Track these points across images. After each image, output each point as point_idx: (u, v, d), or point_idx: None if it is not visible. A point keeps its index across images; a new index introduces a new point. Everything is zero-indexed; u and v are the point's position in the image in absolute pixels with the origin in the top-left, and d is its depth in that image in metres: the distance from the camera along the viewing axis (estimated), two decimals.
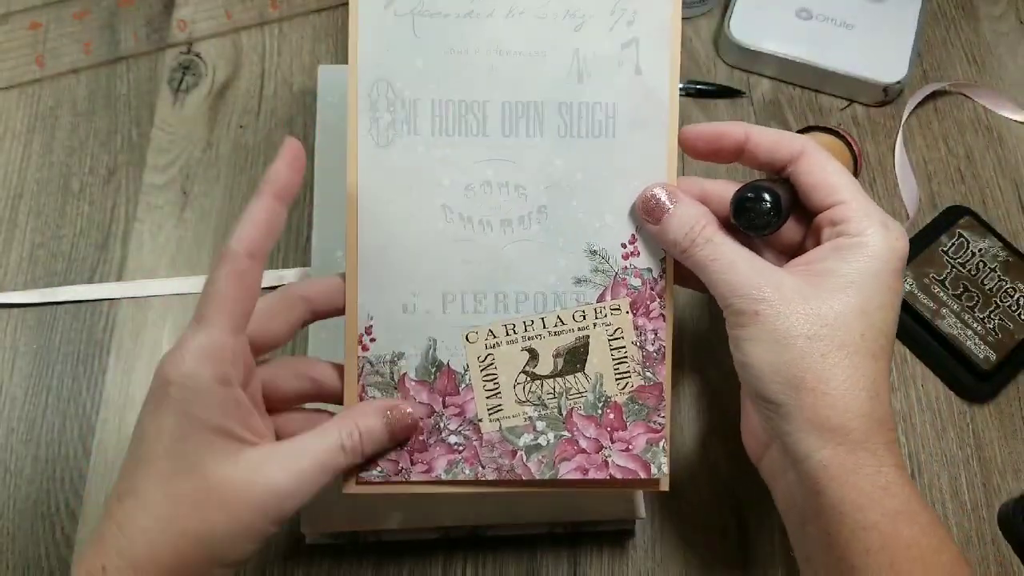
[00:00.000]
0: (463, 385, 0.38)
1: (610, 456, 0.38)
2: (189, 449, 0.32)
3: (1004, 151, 0.59)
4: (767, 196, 0.35)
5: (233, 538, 0.32)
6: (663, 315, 0.38)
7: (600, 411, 0.39)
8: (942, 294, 0.52)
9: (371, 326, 0.38)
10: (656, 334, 0.38)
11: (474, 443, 0.38)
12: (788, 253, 0.38)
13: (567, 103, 0.37)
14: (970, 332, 0.51)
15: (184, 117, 0.58)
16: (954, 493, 0.49)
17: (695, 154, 0.39)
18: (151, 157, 0.56)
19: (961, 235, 0.54)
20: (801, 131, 0.52)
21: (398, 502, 0.44)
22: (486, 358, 0.38)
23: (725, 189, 0.37)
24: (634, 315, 0.38)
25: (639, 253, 0.38)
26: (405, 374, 0.38)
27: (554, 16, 0.37)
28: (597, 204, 0.38)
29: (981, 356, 0.50)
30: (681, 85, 0.59)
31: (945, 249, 0.53)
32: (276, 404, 0.38)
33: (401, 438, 0.37)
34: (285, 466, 0.33)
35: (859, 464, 0.32)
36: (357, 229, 0.37)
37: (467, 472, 0.38)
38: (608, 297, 0.38)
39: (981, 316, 0.51)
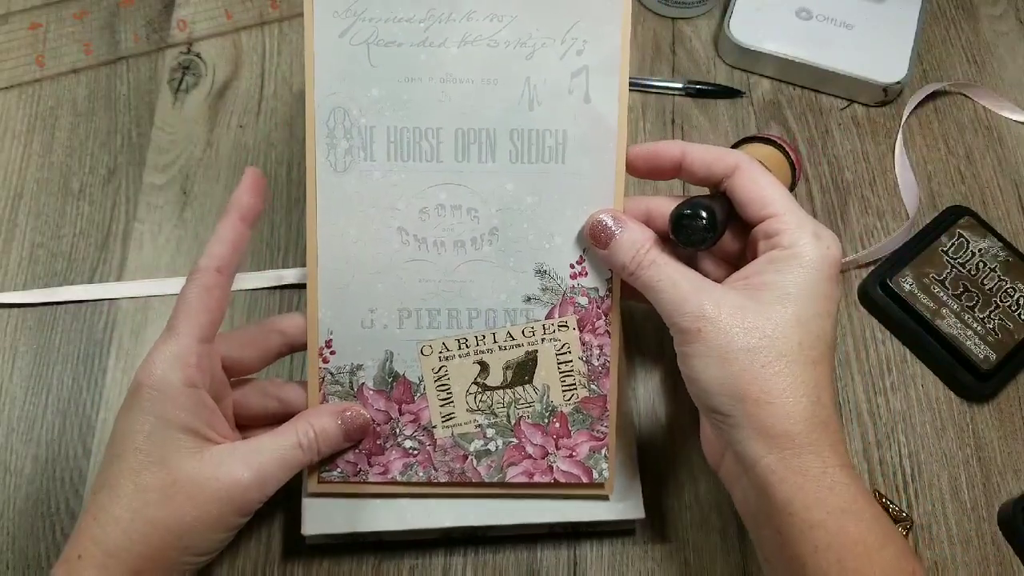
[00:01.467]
0: (418, 394, 0.41)
1: (555, 462, 0.41)
2: (158, 446, 0.35)
3: (1004, 151, 0.59)
4: (703, 213, 0.36)
5: (200, 528, 0.35)
6: (608, 332, 0.41)
7: (547, 420, 0.41)
8: (942, 294, 0.52)
9: (331, 340, 0.40)
10: (601, 349, 0.41)
11: (428, 448, 0.41)
12: (731, 263, 0.40)
13: (519, 129, 0.39)
14: (970, 332, 0.51)
15: (184, 117, 0.58)
16: (954, 493, 0.49)
17: (635, 173, 0.40)
18: (151, 157, 0.56)
19: (961, 235, 0.54)
20: (740, 142, 0.52)
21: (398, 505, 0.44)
22: (440, 369, 0.41)
23: (668, 205, 0.38)
24: (581, 332, 0.41)
25: (587, 273, 0.40)
26: (364, 384, 0.41)
27: (506, 44, 0.38)
28: (547, 226, 0.40)
29: (981, 356, 0.50)
30: (681, 85, 0.59)
31: (945, 249, 0.53)
32: (246, 422, 0.41)
33: (356, 438, 0.40)
34: (246, 461, 0.36)
35: (804, 466, 0.33)
36: (317, 250, 0.39)
37: (421, 474, 0.41)
38: (556, 314, 0.40)
39: (981, 316, 0.51)
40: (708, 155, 0.38)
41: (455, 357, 0.41)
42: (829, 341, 0.35)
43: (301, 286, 0.52)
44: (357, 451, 0.41)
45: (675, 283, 0.36)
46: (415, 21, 0.38)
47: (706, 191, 0.41)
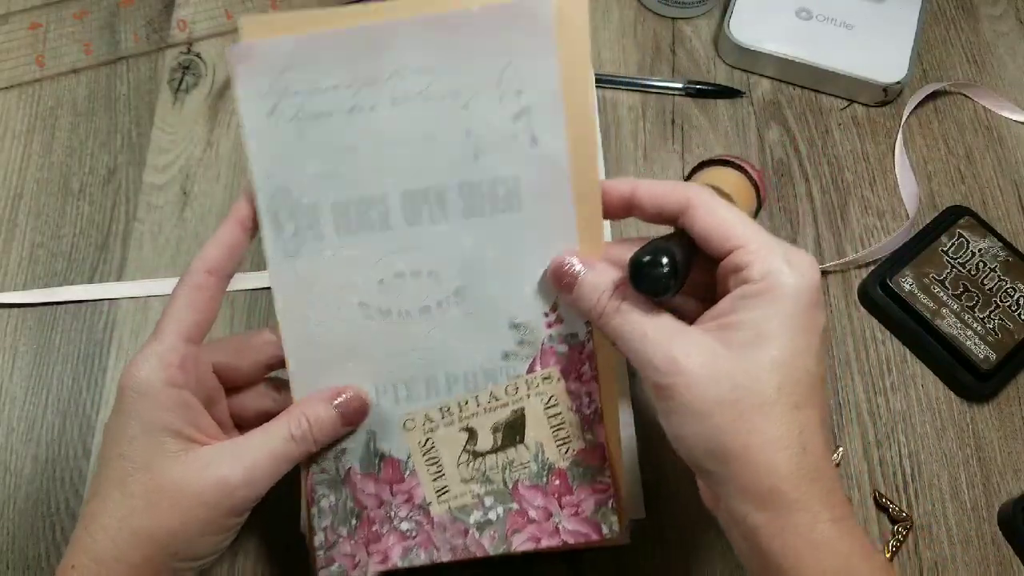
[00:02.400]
0: (408, 472, 0.39)
1: (560, 522, 0.39)
2: (141, 450, 0.34)
3: (1004, 151, 0.59)
4: (663, 259, 0.33)
5: (189, 532, 0.34)
6: (595, 377, 0.38)
7: (545, 479, 0.39)
8: (942, 294, 0.52)
9: None
10: (590, 396, 0.39)
11: (426, 527, 0.39)
12: (702, 297, 0.37)
13: (467, 182, 0.36)
14: (970, 332, 0.51)
15: (184, 117, 0.58)
16: (954, 493, 0.49)
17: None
18: (151, 157, 0.56)
19: (961, 235, 0.54)
20: (698, 166, 0.47)
21: None
22: (426, 443, 0.39)
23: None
24: (566, 381, 0.39)
25: (562, 320, 0.38)
26: (351, 468, 0.39)
27: (439, 97, 0.36)
28: (513, 278, 0.37)
29: (981, 356, 0.50)
30: (681, 85, 0.59)
31: (945, 249, 0.53)
32: (246, 423, 0.39)
33: (354, 421, 0.38)
34: (235, 459, 0.35)
35: (793, 524, 0.31)
36: (281, 337, 0.38)
37: (423, 556, 0.39)
38: (538, 367, 0.38)
39: (981, 316, 0.51)
40: (656, 192, 0.36)
41: (440, 427, 0.39)
42: (814, 379, 0.32)
43: None
44: (354, 541, 0.38)
45: (643, 335, 0.33)
46: (341, 88, 0.36)
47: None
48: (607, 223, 0.42)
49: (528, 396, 0.39)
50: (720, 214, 0.34)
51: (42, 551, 0.46)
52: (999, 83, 0.61)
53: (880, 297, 0.53)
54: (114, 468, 0.34)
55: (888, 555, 0.47)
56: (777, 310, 0.32)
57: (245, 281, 0.52)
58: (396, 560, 0.39)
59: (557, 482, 0.39)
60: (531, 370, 0.38)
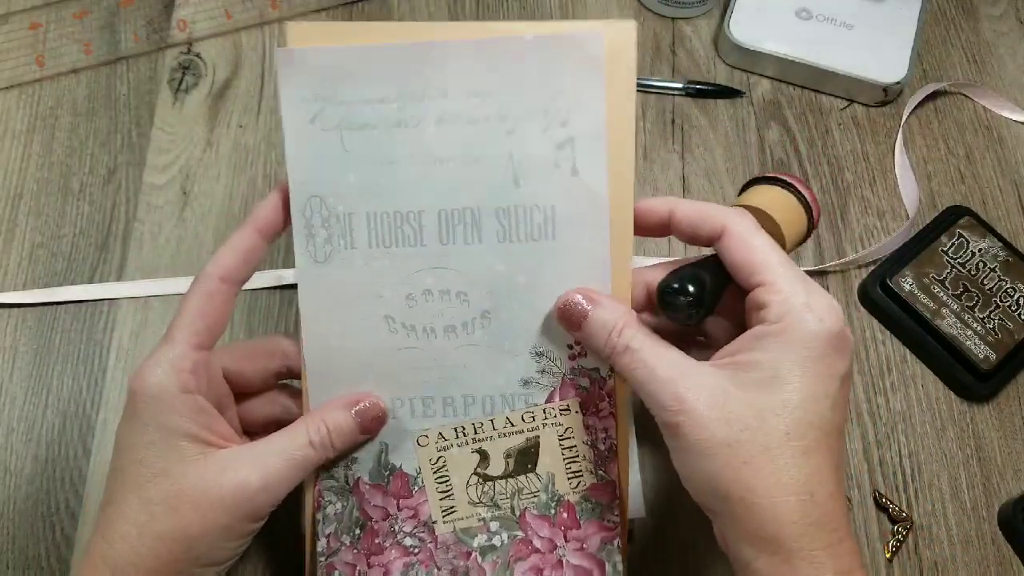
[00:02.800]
0: (416, 488, 0.39)
1: (564, 555, 0.38)
2: (159, 456, 0.34)
3: (1004, 151, 0.59)
4: (689, 287, 0.32)
5: (209, 537, 0.33)
6: (613, 414, 0.38)
7: (553, 510, 0.38)
8: (942, 294, 0.52)
9: None
10: (607, 432, 0.38)
11: (429, 545, 0.38)
12: (738, 324, 0.36)
13: (504, 207, 0.36)
14: (970, 332, 0.51)
15: (184, 117, 0.58)
16: (954, 493, 0.49)
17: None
18: (151, 157, 0.56)
19: (961, 235, 0.54)
20: (748, 184, 0.46)
21: None
22: (438, 460, 0.39)
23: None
24: (584, 415, 0.38)
25: (586, 353, 0.38)
26: (360, 478, 0.38)
27: (485, 120, 0.36)
28: (541, 306, 0.37)
29: (981, 356, 0.50)
30: (681, 85, 0.59)
31: (945, 249, 0.53)
32: (255, 430, 0.40)
33: (372, 429, 0.38)
34: (253, 464, 0.34)
35: (795, 573, 0.30)
36: (303, 343, 0.37)
37: (422, 574, 0.38)
38: (557, 398, 0.38)
39: (981, 316, 0.51)
40: (694, 215, 0.35)
41: (453, 446, 0.38)
42: (828, 426, 0.32)
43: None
44: (356, 551, 0.38)
45: (652, 371, 0.33)
46: (388, 102, 0.36)
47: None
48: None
49: (544, 426, 0.38)
50: (753, 244, 0.34)
51: (42, 551, 0.46)
52: (999, 83, 0.61)
53: (880, 297, 0.53)
54: (131, 474, 0.34)
55: (888, 555, 0.47)
56: (791, 353, 0.31)
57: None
58: (396, 575, 0.38)
59: (565, 515, 0.38)
60: (550, 400, 0.38)
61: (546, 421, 0.38)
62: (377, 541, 0.38)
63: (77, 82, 0.59)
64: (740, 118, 0.59)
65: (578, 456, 0.38)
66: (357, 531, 0.38)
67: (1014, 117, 0.60)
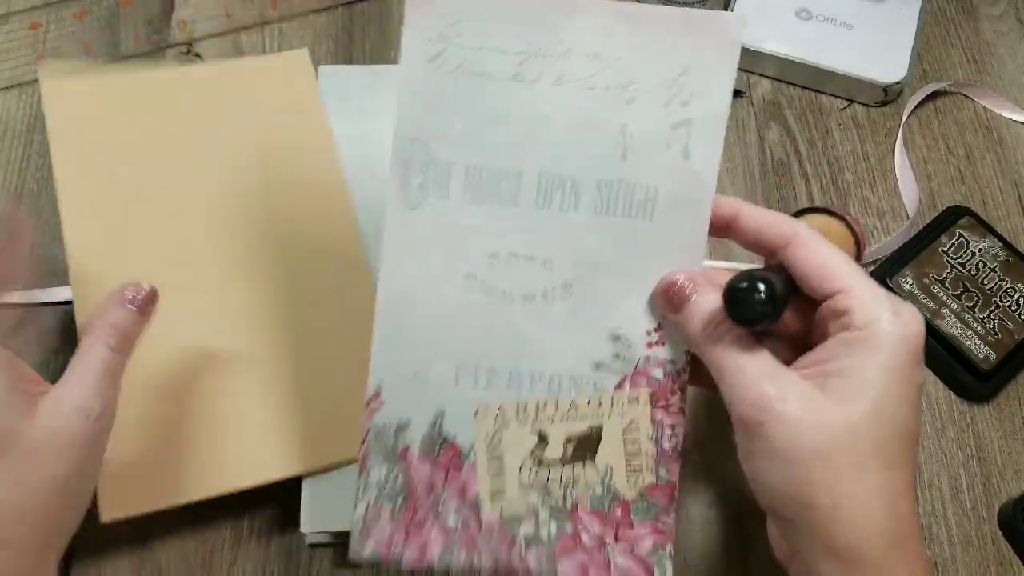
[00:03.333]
0: (467, 463, 0.37)
1: (612, 556, 0.36)
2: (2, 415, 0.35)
3: (1004, 151, 0.59)
4: (760, 287, 0.31)
5: (76, 475, 0.35)
6: (682, 410, 0.36)
7: (607, 506, 0.37)
8: (942, 294, 0.52)
9: (379, 390, 0.37)
10: (673, 430, 0.37)
11: (472, 527, 0.37)
12: (795, 345, 0.35)
13: (607, 180, 0.35)
14: (970, 332, 0.51)
15: None
16: (954, 493, 0.49)
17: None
18: None
19: (961, 235, 0.54)
20: (797, 213, 0.47)
21: None
22: (494, 437, 0.37)
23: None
24: (652, 408, 0.37)
25: (663, 343, 0.36)
26: (408, 447, 0.37)
27: (605, 87, 0.35)
28: (625, 287, 0.36)
29: (981, 356, 0.50)
30: None
31: (945, 249, 0.53)
32: None
33: (150, 312, 0.40)
34: (78, 386, 0.36)
35: None
36: (379, 288, 0.36)
37: (462, 558, 0.37)
38: (627, 386, 0.37)
39: (981, 316, 0.51)
40: (761, 222, 0.34)
41: (512, 424, 0.37)
42: (911, 436, 0.31)
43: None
44: (395, 522, 0.36)
45: (741, 367, 0.32)
46: (509, 53, 0.35)
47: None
48: None
49: (610, 415, 0.37)
50: (824, 254, 0.33)
51: None
52: (999, 83, 0.61)
53: None
54: None
55: None
56: (881, 360, 0.31)
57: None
58: (433, 556, 0.37)
59: (619, 512, 0.37)
60: (619, 387, 0.37)
61: (613, 410, 0.37)
62: (419, 517, 0.37)
63: None
64: (740, 118, 0.59)
65: (640, 451, 0.37)
66: (400, 500, 0.37)
67: (1014, 117, 0.60)
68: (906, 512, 0.30)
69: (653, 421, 0.37)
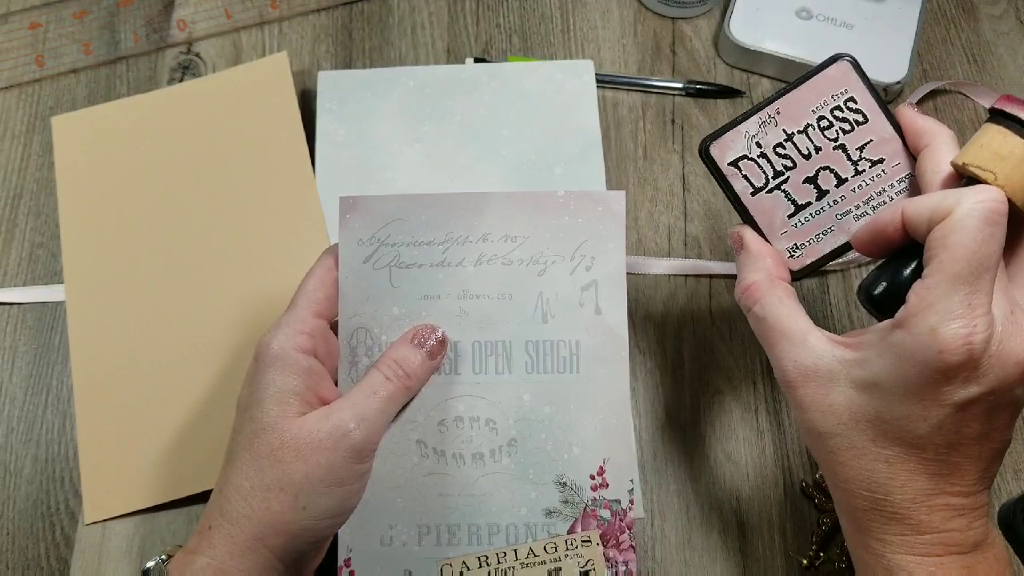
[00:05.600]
0: None
1: None
2: (267, 412, 0.37)
3: None
4: (891, 291, 0.33)
5: (313, 482, 0.36)
6: (632, 546, 0.40)
7: None
8: None
9: (350, 559, 0.39)
10: (627, 565, 0.40)
11: None
12: None
13: (533, 341, 0.40)
14: None
15: None
16: None
17: (870, 254, 0.38)
18: None
19: None
20: (993, 116, 0.35)
21: None
22: None
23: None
24: (604, 547, 0.40)
25: (607, 484, 0.40)
26: None
27: (519, 262, 0.40)
28: (565, 436, 0.40)
29: None
30: (681, 85, 0.59)
31: None
32: None
33: (438, 352, 0.40)
34: (345, 406, 0.37)
35: (854, 548, 0.36)
36: None
37: None
38: (579, 528, 0.40)
39: None
40: (925, 209, 0.33)
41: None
42: (922, 443, 0.32)
43: None
44: None
45: (783, 330, 0.36)
46: (434, 244, 0.40)
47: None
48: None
49: (566, 556, 0.39)
50: (934, 199, 0.33)
51: (42, 551, 0.46)
52: (999, 83, 0.61)
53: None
54: (244, 432, 0.37)
55: None
56: (900, 370, 0.32)
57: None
58: None
59: None
60: (572, 530, 0.40)
61: (568, 552, 0.39)
62: None
63: (77, 82, 0.59)
64: None
65: None
66: None
67: None
68: (905, 503, 0.33)
69: (607, 559, 0.40)
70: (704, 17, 0.63)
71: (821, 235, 0.39)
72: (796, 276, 0.39)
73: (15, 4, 0.61)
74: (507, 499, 0.40)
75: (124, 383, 0.49)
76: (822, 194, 0.39)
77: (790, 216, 0.39)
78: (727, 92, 0.60)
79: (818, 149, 0.39)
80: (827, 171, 0.39)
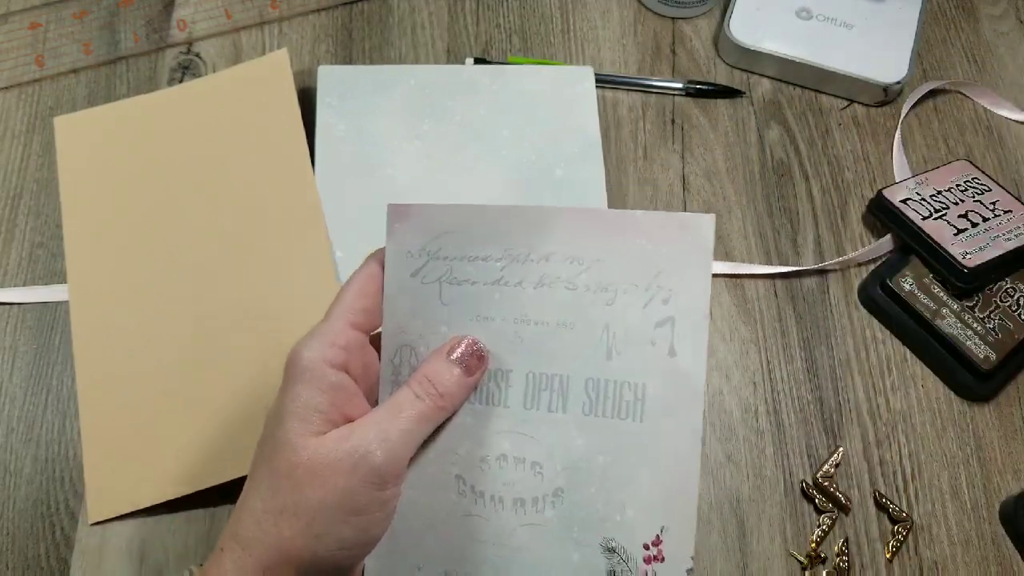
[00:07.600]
0: None
1: None
2: (289, 430, 0.33)
3: (1004, 151, 0.59)
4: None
5: (328, 507, 0.32)
6: None
7: None
8: (942, 294, 0.52)
9: None
10: None
11: None
12: None
13: (594, 379, 0.35)
14: (970, 332, 0.51)
15: None
16: (954, 493, 0.49)
17: None
18: None
19: None
20: None
21: None
22: None
23: None
24: None
25: (663, 558, 0.34)
26: None
27: (585, 288, 0.35)
28: (619, 494, 0.34)
29: (981, 356, 0.50)
30: (681, 85, 0.59)
31: None
32: None
33: (476, 368, 0.36)
34: (367, 426, 0.34)
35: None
36: None
37: None
38: None
39: (981, 316, 0.51)
40: None
41: None
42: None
43: None
44: None
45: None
46: (491, 260, 0.36)
47: None
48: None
49: None
50: None
51: (42, 551, 0.46)
52: (999, 83, 0.61)
53: (880, 297, 0.53)
54: (266, 448, 0.34)
55: (888, 555, 0.47)
56: None
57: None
58: None
59: None
60: None
61: None
62: None
63: (77, 82, 0.59)
64: (740, 118, 0.59)
65: None
66: None
67: (1014, 117, 0.60)
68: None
69: None
70: (704, 17, 0.63)
71: (979, 248, 0.51)
72: (972, 272, 0.50)
73: (15, 4, 0.61)
74: (544, 557, 0.35)
75: (127, 382, 0.49)
76: (975, 225, 0.52)
77: (955, 235, 0.51)
78: (727, 92, 0.60)
79: (962, 201, 0.53)
80: (974, 212, 0.52)
